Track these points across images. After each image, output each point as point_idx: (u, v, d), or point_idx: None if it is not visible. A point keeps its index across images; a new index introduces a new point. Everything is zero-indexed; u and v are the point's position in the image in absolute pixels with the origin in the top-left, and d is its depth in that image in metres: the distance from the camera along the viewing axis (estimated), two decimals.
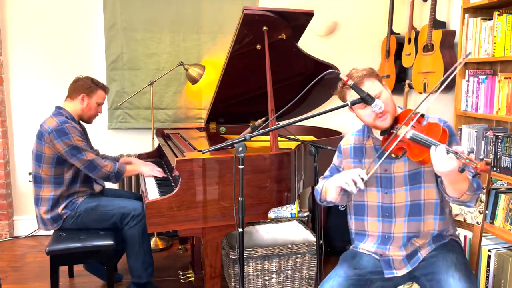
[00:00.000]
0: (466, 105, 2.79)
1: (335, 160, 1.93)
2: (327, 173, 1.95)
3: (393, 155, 1.62)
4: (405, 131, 1.56)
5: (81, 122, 2.70)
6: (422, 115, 1.64)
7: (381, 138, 1.72)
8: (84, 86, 2.59)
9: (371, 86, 1.64)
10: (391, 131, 1.66)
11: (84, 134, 2.69)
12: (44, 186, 2.51)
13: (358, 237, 1.83)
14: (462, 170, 1.37)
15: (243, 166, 1.76)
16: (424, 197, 1.70)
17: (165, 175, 2.70)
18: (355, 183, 1.60)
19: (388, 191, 1.72)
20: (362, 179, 1.60)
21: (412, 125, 1.57)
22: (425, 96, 1.61)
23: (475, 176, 1.41)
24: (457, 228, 1.86)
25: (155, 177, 2.68)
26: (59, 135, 2.42)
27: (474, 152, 1.43)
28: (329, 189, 1.76)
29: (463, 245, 1.85)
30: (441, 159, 1.42)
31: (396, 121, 1.67)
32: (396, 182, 1.71)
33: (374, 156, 1.74)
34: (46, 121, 2.51)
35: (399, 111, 1.72)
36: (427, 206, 1.70)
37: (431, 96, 1.57)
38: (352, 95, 1.67)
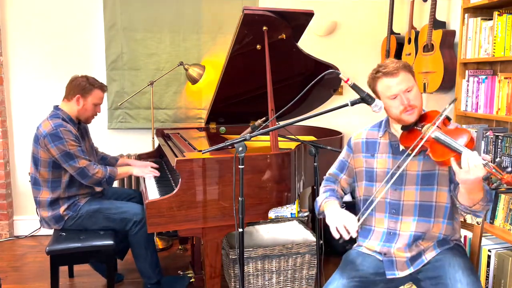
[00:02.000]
0: (466, 105, 2.79)
1: (343, 153, 1.93)
2: (333, 168, 1.95)
3: (410, 152, 1.62)
4: (431, 131, 1.56)
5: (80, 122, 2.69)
6: (449, 119, 1.64)
7: (399, 133, 1.72)
8: (79, 87, 2.55)
9: (405, 79, 1.65)
10: (414, 127, 1.66)
11: (83, 134, 2.68)
12: (42, 189, 2.51)
13: (363, 232, 1.82)
14: (486, 178, 1.37)
15: (243, 166, 1.76)
16: (436, 199, 1.69)
17: (157, 174, 2.69)
18: (348, 232, 1.61)
19: (398, 188, 1.71)
20: (353, 228, 1.61)
21: (437, 126, 1.57)
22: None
23: (497, 187, 1.37)
24: None
25: (155, 177, 2.68)
26: (53, 139, 2.41)
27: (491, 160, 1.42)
28: (326, 215, 1.76)
29: (464, 246, 1.84)
30: (472, 168, 1.40)
31: (420, 119, 1.68)
32: (407, 180, 1.70)
33: (389, 151, 1.75)
34: (42, 124, 2.49)
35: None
36: (438, 209, 1.70)
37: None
38: (383, 84, 1.66)
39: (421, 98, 1.69)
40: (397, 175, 1.64)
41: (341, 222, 1.63)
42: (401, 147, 1.73)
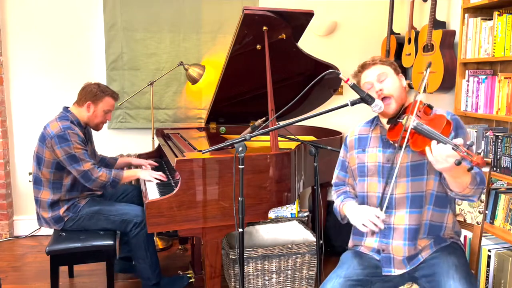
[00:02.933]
0: (466, 105, 2.79)
1: (342, 152, 1.95)
2: (337, 170, 1.97)
3: (396, 145, 1.62)
4: (411, 121, 1.56)
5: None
6: (430, 107, 1.64)
7: (387, 127, 1.72)
8: (91, 94, 2.57)
9: (380, 68, 1.72)
10: (398, 120, 1.66)
11: (87, 137, 2.69)
12: (43, 189, 2.51)
13: (357, 231, 1.81)
14: (458, 163, 1.36)
15: (243, 166, 1.76)
16: (425, 188, 1.70)
17: (165, 179, 2.63)
18: (375, 224, 1.65)
19: (390, 182, 1.71)
20: (379, 217, 1.65)
21: (417, 115, 1.58)
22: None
23: (470, 170, 1.38)
24: None
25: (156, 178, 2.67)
26: (60, 141, 2.41)
27: (475, 147, 1.42)
28: (348, 217, 1.80)
29: (463, 245, 1.84)
30: (439, 157, 1.43)
31: (404, 111, 1.68)
32: (398, 172, 1.70)
33: (379, 145, 1.76)
34: (50, 125, 2.49)
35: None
36: (426, 197, 1.70)
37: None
38: (362, 77, 1.74)
39: (400, 90, 1.72)
40: (396, 170, 1.65)
41: (366, 218, 1.67)
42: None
